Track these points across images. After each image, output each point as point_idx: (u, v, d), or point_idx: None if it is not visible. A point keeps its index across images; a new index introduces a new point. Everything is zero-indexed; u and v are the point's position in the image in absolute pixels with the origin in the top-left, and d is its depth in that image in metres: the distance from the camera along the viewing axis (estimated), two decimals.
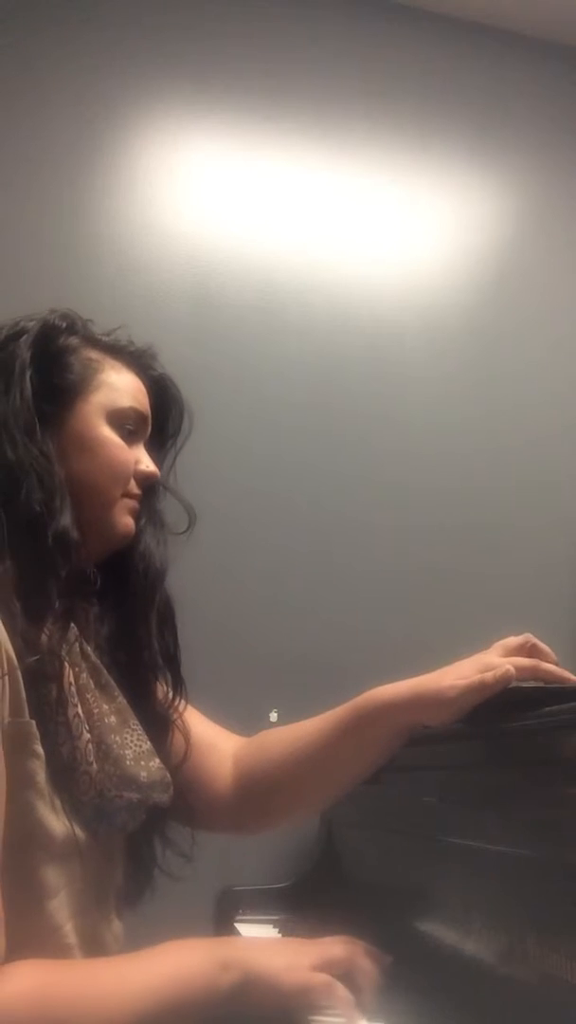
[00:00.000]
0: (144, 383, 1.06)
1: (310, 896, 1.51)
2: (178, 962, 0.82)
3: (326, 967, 0.86)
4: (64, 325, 1.02)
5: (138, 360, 1.08)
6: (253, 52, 2.07)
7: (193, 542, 1.85)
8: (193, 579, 1.82)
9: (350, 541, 1.93)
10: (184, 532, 1.11)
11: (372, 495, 1.96)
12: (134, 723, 0.95)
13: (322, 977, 0.84)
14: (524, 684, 0.95)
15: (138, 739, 0.93)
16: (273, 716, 1.81)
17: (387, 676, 1.82)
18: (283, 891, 1.53)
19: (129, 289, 1.91)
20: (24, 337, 0.98)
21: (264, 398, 1.94)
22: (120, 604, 1.01)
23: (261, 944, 0.92)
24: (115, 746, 0.90)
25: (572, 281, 2.21)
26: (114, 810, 0.89)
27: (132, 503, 1.01)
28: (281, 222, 2.04)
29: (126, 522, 1.01)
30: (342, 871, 1.49)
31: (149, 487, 1.05)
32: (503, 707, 0.95)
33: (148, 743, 0.95)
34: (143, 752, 0.93)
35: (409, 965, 1.03)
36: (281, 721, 1.81)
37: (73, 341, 1.02)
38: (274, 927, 1.39)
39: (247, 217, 2.01)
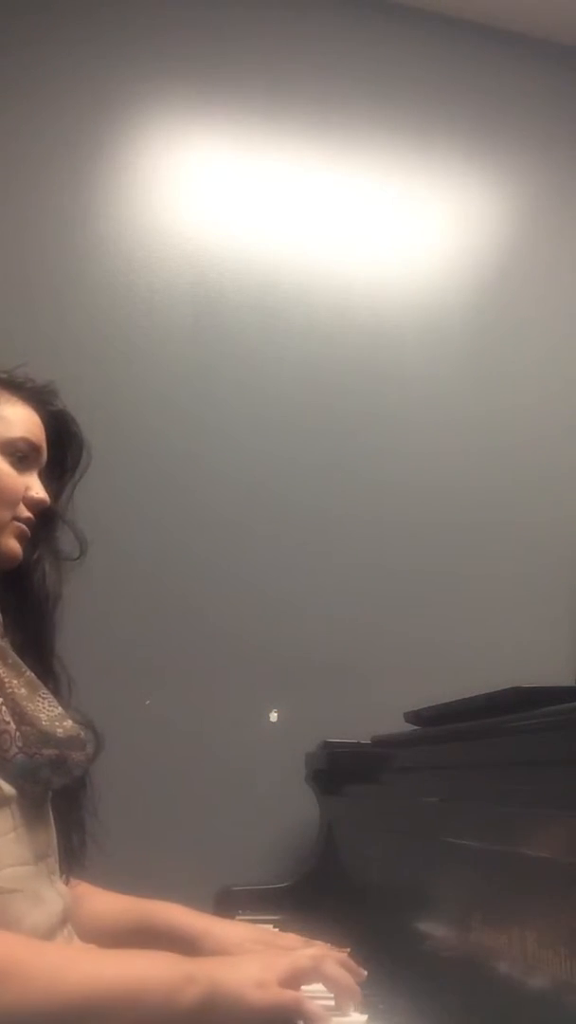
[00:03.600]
0: (41, 417, 1.12)
1: (310, 896, 1.51)
2: (140, 965, 0.83)
3: (295, 981, 0.86)
4: None
5: (36, 396, 1.13)
6: (253, 52, 2.07)
7: (193, 542, 1.86)
8: (193, 579, 1.84)
9: (350, 540, 1.93)
10: (77, 559, 1.17)
11: (372, 494, 1.96)
12: (44, 692, 1.01)
13: (291, 994, 0.84)
14: (524, 684, 0.95)
15: (50, 705, 1.00)
16: (273, 716, 1.81)
17: (387, 676, 1.83)
18: (283, 891, 1.53)
19: (129, 289, 1.91)
20: None
21: (264, 397, 1.94)
22: (21, 623, 1.09)
23: (231, 961, 0.92)
24: (29, 710, 0.96)
25: (572, 281, 2.21)
26: (36, 766, 0.95)
27: (21, 527, 1.07)
28: (281, 222, 2.04)
29: (11, 545, 1.07)
30: (342, 871, 1.49)
31: (47, 517, 1.12)
32: (503, 707, 0.95)
33: (59, 708, 1.01)
34: (56, 715, 0.99)
35: (409, 965, 1.03)
36: (281, 721, 1.82)
37: None
38: (274, 927, 1.39)
39: (247, 217, 2.01)
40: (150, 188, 1.97)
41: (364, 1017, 0.89)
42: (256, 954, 0.95)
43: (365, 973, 0.94)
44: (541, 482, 2.07)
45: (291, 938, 1.12)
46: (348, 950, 1.02)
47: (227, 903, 1.50)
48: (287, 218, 2.04)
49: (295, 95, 2.08)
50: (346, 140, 2.11)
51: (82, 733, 1.01)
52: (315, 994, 0.88)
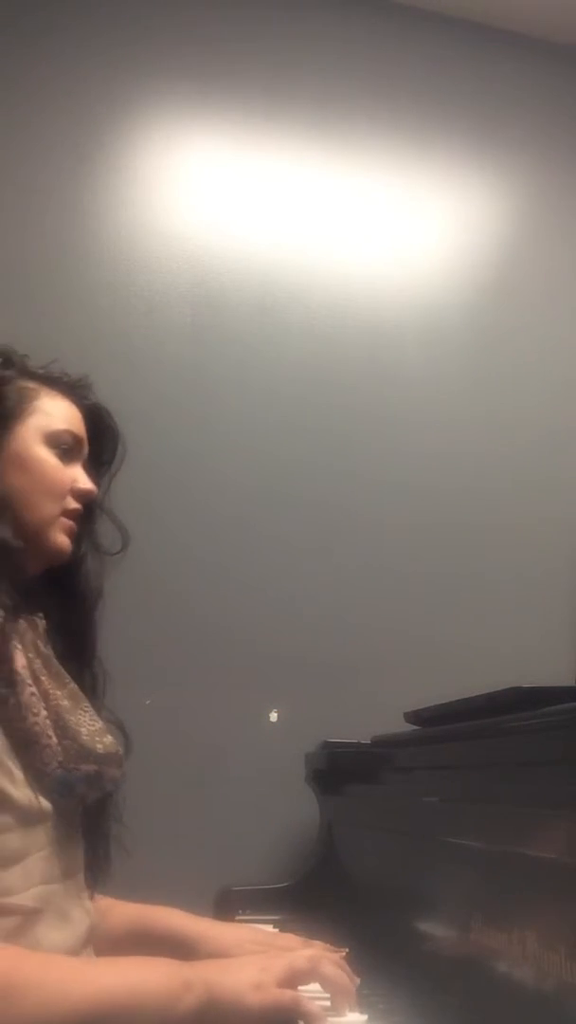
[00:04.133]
0: (79, 410, 1.14)
1: (310, 896, 1.51)
2: (138, 972, 0.83)
3: (293, 981, 0.86)
4: (0, 361, 1.11)
5: (73, 390, 1.15)
6: (253, 52, 2.07)
7: (193, 542, 1.86)
8: (193, 579, 1.83)
9: (350, 540, 1.93)
10: (118, 553, 1.18)
11: (372, 494, 1.96)
12: (85, 705, 1.02)
13: (288, 994, 0.84)
14: (524, 684, 0.95)
15: (91, 719, 1.01)
16: (273, 716, 1.81)
17: (387, 676, 1.83)
18: (283, 891, 1.53)
19: (129, 289, 1.91)
20: None
21: (264, 397, 1.94)
22: (64, 619, 1.09)
23: (227, 964, 0.92)
24: (71, 724, 0.97)
25: (572, 281, 2.21)
26: (74, 780, 0.95)
27: (69, 522, 1.08)
28: (281, 222, 2.04)
29: (61, 539, 1.07)
30: (342, 871, 1.49)
31: (88, 511, 1.12)
32: (503, 707, 0.95)
33: (100, 722, 1.02)
34: (96, 730, 1.00)
35: (409, 965, 1.03)
36: (281, 721, 1.82)
37: (9, 373, 1.10)
38: (274, 927, 1.39)
39: (247, 217, 2.01)
40: (150, 188, 1.97)
41: (364, 1017, 0.89)
42: (253, 956, 0.95)
43: (358, 980, 0.95)
44: (541, 482, 2.07)
45: (289, 938, 1.12)
46: (347, 951, 1.02)
47: (227, 903, 1.50)
48: (287, 218, 2.04)
49: (295, 95, 2.08)
50: (346, 140, 2.10)
51: (120, 750, 1.02)
52: (312, 994, 0.88)
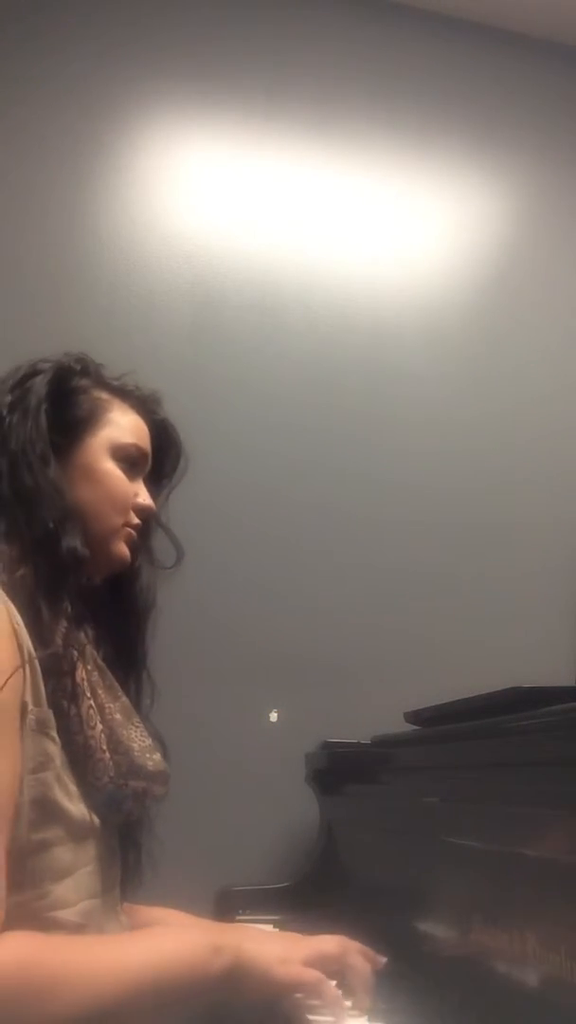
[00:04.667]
0: (147, 424, 1.16)
1: (310, 896, 1.51)
2: (174, 943, 0.85)
3: (318, 963, 0.87)
4: (79, 368, 1.13)
5: (143, 404, 1.17)
6: (253, 52, 2.07)
7: (194, 542, 1.85)
8: (192, 579, 1.83)
9: (350, 540, 1.93)
10: (172, 567, 1.21)
11: (372, 494, 1.96)
12: (137, 720, 1.03)
13: (313, 973, 0.85)
14: (524, 684, 0.95)
15: (141, 735, 1.02)
16: (273, 716, 1.81)
17: (387, 676, 1.83)
18: (283, 891, 1.53)
19: (129, 289, 1.91)
20: (41, 376, 1.08)
21: (264, 398, 1.94)
22: (117, 630, 1.11)
23: (256, 934, 0.94)
24: (124, 739, 0.98)
25: (572, 281, 2.21)
26: (123, 797, 0.96)
27: (131, 533, 1.10)
28: (281, 222, 2.04)
29: (123, 550, 1.09)
30: (342, 871, 1.49)
31: (145, 524, 1.15)
32: (503, 707, 0.95)
33: (149, 739, 1.03)
34: (147, 746, 1.01)
35: (409, 965, 1.03)
36: (281, 721, 1.82)
37: (85, 382, 1.12)
38: (274, 927, 1.39)
39: (247, 217, 2.01)
40: (150, 188, 1.97)
41: (364, 1017, 0.89)
42: (283, 935, 0.96)
43: (384, 960, 0.95)
44: (541, 482, 2.07)
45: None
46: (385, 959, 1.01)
47: (227, 903, 1.50)
48: (287, 218, 2.04)
49: (295, 95, 2.08)
50: (346, 140, 2.10)
51: (167, 768, 1.04)
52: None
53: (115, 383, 1.16)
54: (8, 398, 1.05)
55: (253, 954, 0.85)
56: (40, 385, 1.06)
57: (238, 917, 1.46)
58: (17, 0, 1.94)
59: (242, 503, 1.88)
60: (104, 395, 1.12)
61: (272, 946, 0.88)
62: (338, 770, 1.52)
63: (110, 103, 1.96)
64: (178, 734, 1.72)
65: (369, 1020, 0.89)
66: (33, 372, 1.08)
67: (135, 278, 1.92)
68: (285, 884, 1.54)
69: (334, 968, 0.90)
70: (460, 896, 0.97)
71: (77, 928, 0.89)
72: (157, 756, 1.02)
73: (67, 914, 0.88)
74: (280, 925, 1.39)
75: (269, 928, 1.37)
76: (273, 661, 1.81)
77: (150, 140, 1.99)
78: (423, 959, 1.02)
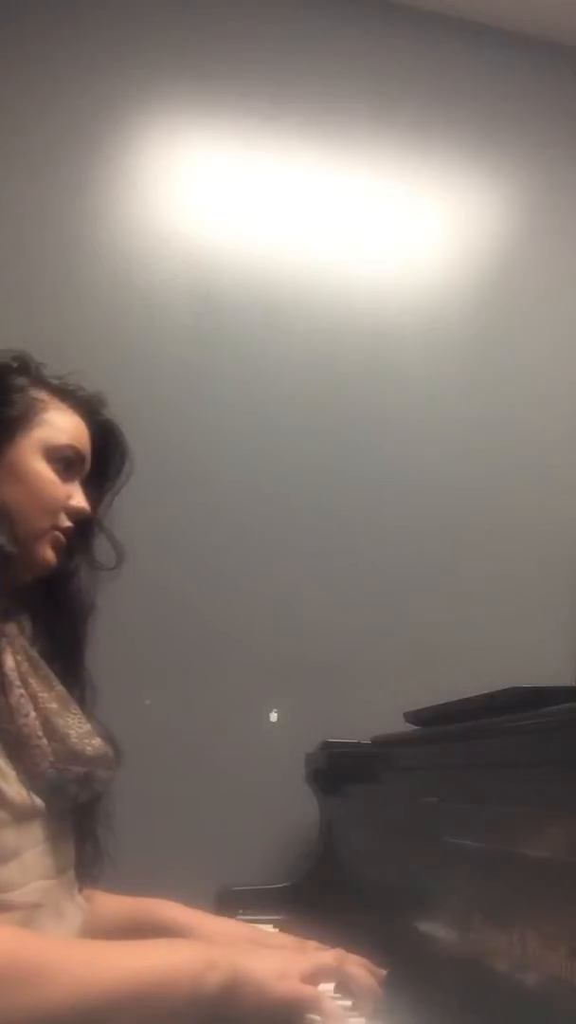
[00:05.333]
0: (88, 426, 1.13)
1: (310, 896, 1.51)
2: (166, 954, 0.83)
3: (317, 977, 0.86)
4: (16, 366, 1.11)
5: (85, 404, 1.15)
6: (253, 52, 2.07)
7: (192, 542, 1.86)
8: (193, 579, 1.83)
9: (350, 540, 1.93)
10: (113, 569, 1.18)
11: (372, 494, 1.96)
12: (74, 708, 1.02)
13: (311, 988, 0.84)
14: (524, 684, 0.95)
15: (79, 721, 1.01)
16: (273, 716, 1.81)
17: (387, 676, 1.83)
18: (283, 891, 1.53)
19: (129, 289, 1.91)
20: None
21: (264, 397, 1.94)
22: (53, 629, 1.10)
23: (253, 950, 0.92)
24: (60, 726, 0.97)
25: (572, 281, 2.21)
26: (66, 782, 0.96)
27: (57, 536, 1.08)
28: (281, 222, 2.04)
29: (47, 554, 1.07)
30: (342, 871, 1.49)
31: (85, 526, 1.13)
32: (503, 707, 0.95)
33: (88, 725, 1.02)
34: (85, 732, 1.00)
35: (409, 965, 1.03)
36: (281, 721, 1.82)
37: (21, 381, 1.09)
38: (274, 927, 1.39)
39: (247, 217, 2.01)
40: (150, 188, 1.97)
41: (363, 1018, 0.89)
42: (280, 948, 0.95)
43: (384, 972, 0.95)
44: (541, 482, 2.07)
45: (283, 938, 1.12)
46: (387, 972, 1.00)
47: (227, 903, 1.50)
48: (287, 218, 2.04)
49: (295, 95, 2.08)
50: (346, 140, 2.10)
51: (109, 752, 1.02)
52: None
53: (55, 383, 1.13)
54: None
55: (249, 970, 0.82)
56: None
57: (238, 917, 1.46)
58: (17, 0, 1.94)
59: (242, 503, 1.88)
60: (41, 395, 1.09)
61: (269, 961, 0.86)
62: (338, 770, 1.52)
63: (110, 103, 1.96)
64: (178, 734, 1.74)
65: (369, 1020, 0.89)
66: None
67: (135, 278, 1.92)
68: (285, 884, 1.54)
69: (334, 980, 0.90)
70: (460, 896, 0.97)
71: (31, 908, 0.89)
72: (97, 741, 1.01)
73: (17, 895, 0.88)
74: (280, 925, 1.39)
75: (270, 928, 1.37)
76: (273, 661, 1.81)
77: (151, 140, 1.99)
78: (423, 959, 1.02)
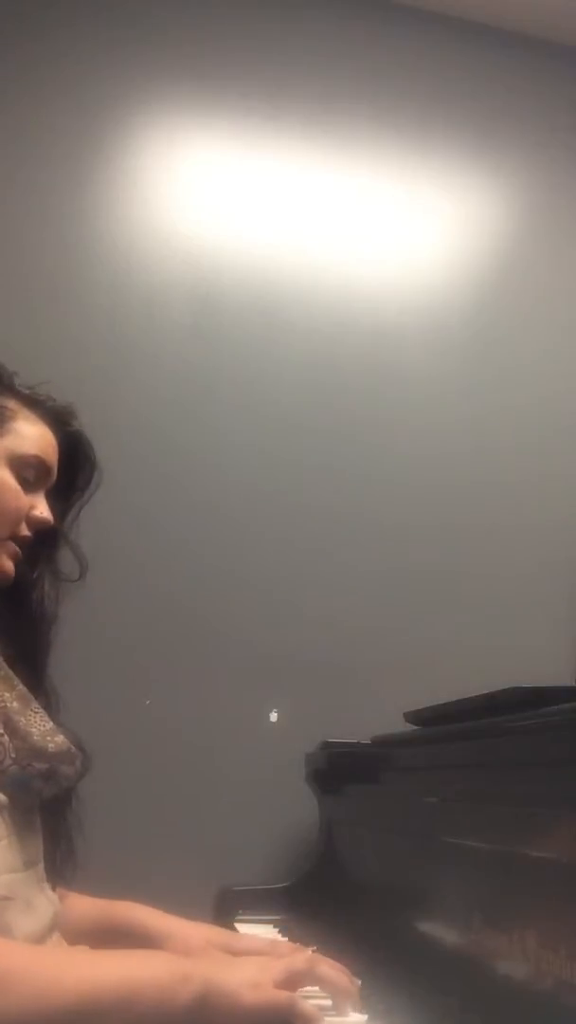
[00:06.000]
0: (56, 437, 1.12)
1: (310, 896, 1.51)
2: (136, 965, 0.82)
3: (290, 983, 0.86)
4: None
5: (54, 415, 1.13)
6: (253, 52, 2.07)
7: (192, 542, 1.86)
8: (193, 579, 1.83)
9: (350, 540, 1.93)
10: (77, 580, 1.16)
11: (372, 494, 1.96)
12: (35, 707, 1.01)
13: (285, 995, 0.84)
14: (524, 684, 0.95)
15: (41, 720, 1.00)
16: (273, 716, 1.81)
17: (387, 676, 1.83)
18: (283, 891, 1.53)
19: (129, 289, 1.91)
20: None
21: (264, 397, 1.94)
22: (14, 636, 1.09)
23: (226, 960, 0.92)
24: (21, 724, 0.97)
25: (572, 281, 2.21)
26: (29, 778, 0.96)
27: (14, 547, 1.07)
28: (281, 222, 2.04)
29: (4, 564, 1.07)
30: (342, 871, 1.49)
31: (49, 536, 1.12)
32: (503, 707, 0.95)
33: (51, 723, 1.01)
34: (47, 730, 1.00)
35: (409, 965, 1.03)
36: (281, 721, 1.82)
37: None
38: (274, 927, 1.39)
39: (247, 217, 2.01)
40: (150, 188, 1.97)
41: (364, 1017, 0.89)
42: (252, 956, 0.95)
43: (359, 982, 0.94)
44: (541, 482, 2.07)
45: (252, 939, 1.12)
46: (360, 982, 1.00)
47: (227, 903, 1.50)
48: (287, 218, 2.04)
49: (295, 95, 2.08)
50: (346, 140, 2.11)
51: (72, 748, 1.01)
52: (311, 996, 0.88)
53: (25, 392, 1.12)
54: None
55: (222, 981, 0.82)
56: None
57: (238, 917, 1.46)
58: (17, 0, 1.94)
59: (242, 503, 1.88)
60: (10, 404, 1.08)
61: (241, 970, 0.85)
62: (338, 770, 1.52)
63: (110, 103, 1.96)
64: (178, 734, 1.74)
65: (369, 1020, 0.89)
66: None
67: (135, 278, 1.92)
68: (285, 884, 1.54)
69: (307, 984, 0.89)
70: (460, 896, 0.97)
71: (2, 900, 0.89)
72: (60, 738, 1.00)
73: None
74: (280, 925, 1.39)
75: (269, 928, 1.37)
76: (273, 661, 1.81)
77: (151, 140, 1.99)
78: (423, 959, 1.02)
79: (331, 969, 0.91)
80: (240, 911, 1.48)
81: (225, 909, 1.48)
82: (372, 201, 2.11)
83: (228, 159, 2.02)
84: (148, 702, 1.73)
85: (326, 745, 1.56)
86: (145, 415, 1.86)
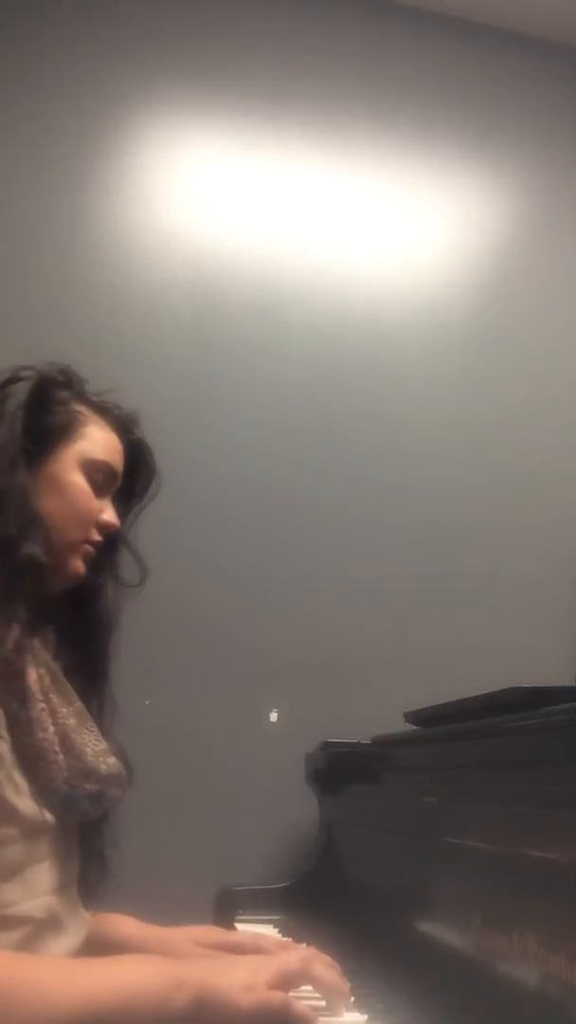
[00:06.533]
0: (122, 443, 1.16)
1: (310, 896, 1.51)
2: (131, 973, 0.82)
3: (283, 983, 0.86)
4: (61, 379, 1.13)
5: (121, 422, 1.17)
6: (253, 52, 2.07)
7: (192, 542, 1.86)
8: (193, 579, 1.83)
9: (350, 540, 1.93)
10: (137, 586, 1.20)
11: (372, 494, 1.96)
12: (91, 725, 1.03)
13: (279, 995, 0.84)
14: (524, 684, 0.95)
15: (95, 739, 1.02)
16: (273, 716, 1.81)
17: (387, 676, 1.83)
18: (283, 891, 1.53)
19: (129, 289, 1.91)
20: (23, 383, 1.08)
21: (264, 397, 1.94)
22: (77, 644, 1.11)
23: (218, 964, 0.92)
24: (77, 743, 0.98)
25: (572, 281, 2.21)
26: (78, 798, 0.97)
27: (89, 549, 1.10)
28: (281, 222, 2.04)
29: (78, 565, 1.09)
30: (342, 871, 1.49)
31: (111, 541, 1.14)
32: (503, 707, 0.95)
33: (104, 743, 1.03)
34: (101, 750, 1.01)
35: (409, 965, 1.03)
36: (281, 721, 1.82)
37: (65, 394, 1.12)
38: (274, 927, 1.39)
39: (247, 217, 2.01)
40: (150, 188, 1.97)
41: (364, 1017, 0.89)
42: (245, 957, 0.95)
43: (349, 986, 0.94)
44: (541, 482, 2.07)
45: (240, 936, 1.13)
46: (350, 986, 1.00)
47: (227, 903, 1.50)
48: (287, 218, 2.04)
49: (295, 95, 2.08)
50: (346, 140, 2.11)
51: (122, 771, 1.02)
52: (305, 996, 0.88)
53: (95, 399, 1.15)
54: None
55: (216, 985, 0.82)
56: (20, 391, 1.07)
57: (238, 917, 1.46)
58: (17, 0, 1.94)
59: (242, 503, 1.88)
60: (83, 409, 1.12)
61: (235, 973, 0.84)
62: (338, 770, 1.52)
63: (110, 103, 1.96)
64: (178, 734, 1.74)
65: (369, 1020, 0.89)
66: (15, 378, 1.09)
67: (135, 278, 1.92)
68: (285, 884, 1.54)
69: (301, 984, 0.89)
70: (460, 896, 0.97)
71: (37, 924, 0.89)
72: (112, 760, 1.01)
73: (20, 910, 0.89)
74: (280, 925, 1.39)
75: (269, 928, 1.37)
76: (273, 661, 1.81)
77: (151, 140, 1.99)
78: (423, 959, 1.02)
79: (325, 969, 0.91)
80: (240, 911, 1.48)
81: (225, 909, 1.48)
82: (372, 201, 2.11)
83: (228, 159, 2.03)
84: (148, 702, 1.73)
85: (326, 745, 1.56)
86: (145, 415, 1.86)
